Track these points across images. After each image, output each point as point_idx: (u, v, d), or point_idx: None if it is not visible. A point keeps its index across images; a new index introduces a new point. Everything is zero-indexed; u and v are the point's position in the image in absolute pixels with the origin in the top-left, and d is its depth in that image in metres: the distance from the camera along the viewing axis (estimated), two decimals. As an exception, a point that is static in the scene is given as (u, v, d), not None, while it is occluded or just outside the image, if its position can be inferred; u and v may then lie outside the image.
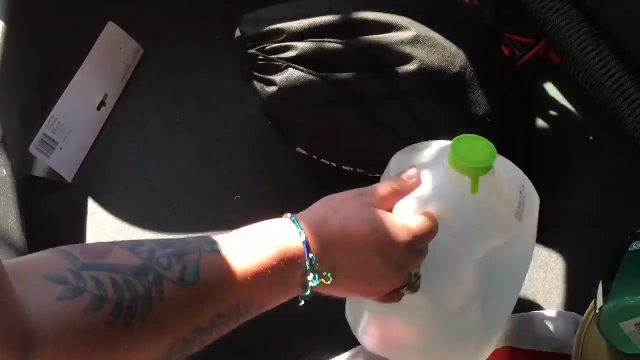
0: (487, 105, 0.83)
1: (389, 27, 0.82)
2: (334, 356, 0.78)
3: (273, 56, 0.82)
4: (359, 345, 0.77)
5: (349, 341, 0.77)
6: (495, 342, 0.74)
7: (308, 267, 0.54)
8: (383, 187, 0.61)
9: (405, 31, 0.82)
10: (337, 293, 0.60)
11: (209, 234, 0.53)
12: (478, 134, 0.85)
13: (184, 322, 0.48)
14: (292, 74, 0.81)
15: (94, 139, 0.97)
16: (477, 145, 0.60)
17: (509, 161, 0.67)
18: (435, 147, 0.66)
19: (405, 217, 0.59)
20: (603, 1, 0.88)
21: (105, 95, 0.99)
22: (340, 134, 0.85)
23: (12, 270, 0.42)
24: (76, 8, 1.04)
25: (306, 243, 0.54)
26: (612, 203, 0.91)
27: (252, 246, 0.53)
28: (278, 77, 0.81)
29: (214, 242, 0.52)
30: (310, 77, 0.81)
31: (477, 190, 0.60)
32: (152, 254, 0.48)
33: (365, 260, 0.57)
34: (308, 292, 0.55)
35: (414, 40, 0.81)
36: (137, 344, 0.46)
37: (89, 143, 0.96)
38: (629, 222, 0.88)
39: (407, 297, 0.61)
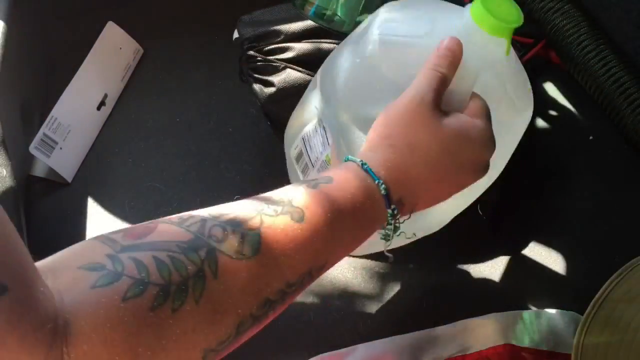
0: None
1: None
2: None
3: (271, 57, 0.82)
4: (358, 344, 0.77)
5: (349, 340, 0.78)
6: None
7: (389, 220, 0.49)
8: (433, 79, 0.53)
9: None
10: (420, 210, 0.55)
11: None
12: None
13: (248, 299, 0.43)
14: (290, 74, 0.81)
15: (94, 139, 0.97)
16: (499, 2, 0.55)
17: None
18: (429, 8, 0.60)
19: (472, 112, 0.54)
20: (603, 1, 0.88)
21: (105, 95, 0.99)
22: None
23: (48, 265, 0.39)
24: (76, 8, 1.04)
25: (387, 196, 0.49)
26: (612, 203, 0.91)
27: (323, 203, 0.47)
28: (276, 78, 0.82)
29: (278, 202, 0.46)
30: (309, 78, 0.81)
31: (509, 50, 0.56)
32: (204, 225, 0.43)
33: (457, 184, 0.53)
34: (389, 241, 0.51)
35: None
36: (192, 328, 0.40)
37: (89, 143, 0.96)
38: (629, 222, 0.88)
39: None
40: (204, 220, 0.43)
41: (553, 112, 1.00)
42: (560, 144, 0.96)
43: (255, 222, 0.44)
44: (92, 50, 0.98)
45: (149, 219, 0.89)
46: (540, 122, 0.99)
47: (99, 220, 0.90)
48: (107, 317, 0.37)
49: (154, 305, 0.39)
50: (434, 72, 0.53)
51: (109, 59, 1.01)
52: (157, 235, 0.42)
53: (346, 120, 0.63)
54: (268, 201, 0.46)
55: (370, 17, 0.64)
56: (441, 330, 0.78)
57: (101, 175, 0.94)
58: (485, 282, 0.84)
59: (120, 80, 1.01)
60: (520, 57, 0.98)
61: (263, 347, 0.79)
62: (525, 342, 0.77)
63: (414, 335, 0.78)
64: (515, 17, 0.55)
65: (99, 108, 0.98)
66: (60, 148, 0.92)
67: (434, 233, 0.76)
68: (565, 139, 0.97)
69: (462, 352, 0.77)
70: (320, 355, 0.77)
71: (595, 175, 0.93)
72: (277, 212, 0.45)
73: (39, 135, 0.90)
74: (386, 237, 0.51)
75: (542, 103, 1.00)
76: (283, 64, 0.81)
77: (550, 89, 1.02)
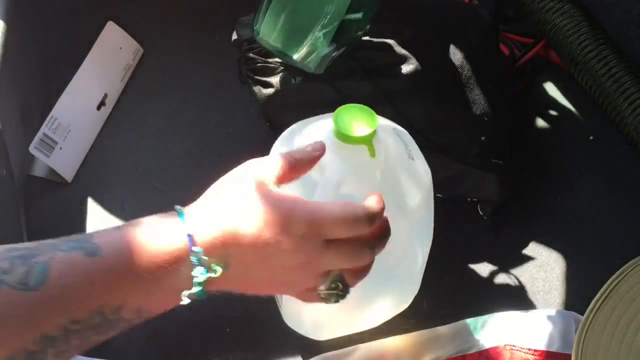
0: (485, 105, 0.82)
1: (385, 27, 0.82)
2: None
3: (270, 58, 0.82)
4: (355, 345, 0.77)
5: (349, 340, 0.78)
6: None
7: (194, 261, 0.48)
8: (278, 161, 0.54)
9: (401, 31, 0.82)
10: (244, 291, 0.53)
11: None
12: (477, 134, 0.85)
13: (23, 331, 0.43)
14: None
15: (94, 139, 0.97)
16: (355, 112, 0.60)
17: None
18: (313, 126, 0.68)
19: (317, 203, 0.52)
20: (603, 1, 0.88)
21: (105, 95, 0.99)
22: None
23: None
24: (76, 8, 1.04)
25: (190, 236, 0.48)
26: (612, 203, 0.91)
27: (124, 242, 0.47)
28: (275, 79, 0.81)
29: (79, 240, 0.46)
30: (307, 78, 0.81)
31: (374, 153, 0.60)
32: None
33: (262, 256, 0.50)
34: (199, 289, 0.49)
35: (411, 40, 0.81)
36: None
37: (89, 143, 0.96)
38: (629, 222, 0.88)
39: None
40: None
41: (553, 112, 1.00)
42: (560, 144, 0.96)
43: (45, 256, 0.44)
44: (92, 50, 0.98)
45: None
46: (540, 122, 0.99)
47: (99, 220, 0.90)
48: None
49: None
50: (284, 157, 0.55)
51: (109, 59, 1.01)
52: None
53: None
54: (72, 238, 0.47)
55: None
56: (441, 330, 0.78)
57: (101, 175, 0.94)
58: (485, 282, 0.84)
59: (120, 80, 1.02)
60: (520, 57, 0.98)
61: (263, 347, 0.79)
62: (525, 342, 0.77)
63: (414, 335, 0.78)
64: (368, 124, 0.59)
65: (99, 108, 0.98)
66: (60, 148, 0.92)
67: (434, 233, 0.75)
68: (565, 139, 0.97)
69: (462, 352, 0.77)
70: (320, 355, 0.77)
71: (595, 175, 0.93)
72: (72, 247, 0.45)
73: (39, 135, 0.90)
74: (195, 288, 0.49)
75: (542, 103, 1.00)
76: (282, 65, 0.81)
77: (550, 89, 1.02)
